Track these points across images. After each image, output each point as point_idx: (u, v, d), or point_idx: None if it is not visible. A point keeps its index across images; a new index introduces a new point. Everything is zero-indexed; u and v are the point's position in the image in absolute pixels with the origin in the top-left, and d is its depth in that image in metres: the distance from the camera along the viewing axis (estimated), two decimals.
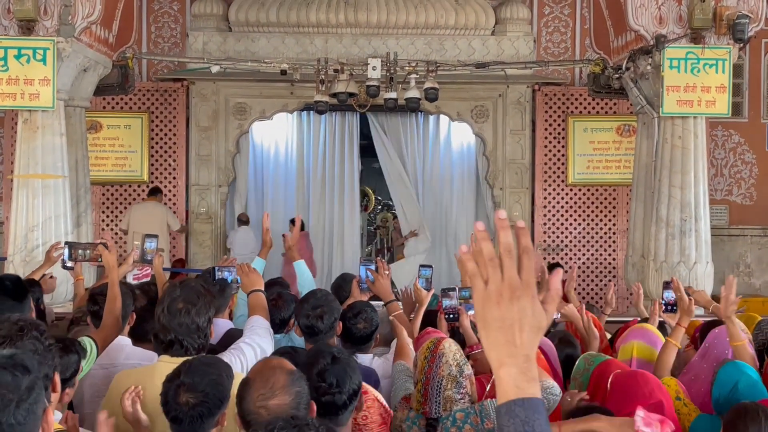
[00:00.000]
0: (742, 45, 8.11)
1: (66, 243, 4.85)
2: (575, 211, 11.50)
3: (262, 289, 4.34)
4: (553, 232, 11.48)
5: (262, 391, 2.58)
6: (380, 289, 4.68)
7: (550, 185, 11.48)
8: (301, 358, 3.07)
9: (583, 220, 11.48)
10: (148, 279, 4.96)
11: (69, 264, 4.67)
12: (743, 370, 3.66)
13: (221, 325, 4.52)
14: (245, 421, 2.61)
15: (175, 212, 11.16)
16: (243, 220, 11.28)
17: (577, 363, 3.94)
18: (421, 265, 5.34)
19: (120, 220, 10.83)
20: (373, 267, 4.80)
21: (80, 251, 4.73)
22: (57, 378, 2.34)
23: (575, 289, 5.69)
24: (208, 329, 3.44)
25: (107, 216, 11.11)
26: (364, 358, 4.01)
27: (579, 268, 11.17)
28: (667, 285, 5.09)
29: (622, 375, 3.48)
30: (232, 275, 5.01)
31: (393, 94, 9.36)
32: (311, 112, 11.55)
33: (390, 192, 12.56)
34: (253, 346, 3.66)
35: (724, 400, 3.46)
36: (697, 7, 7.89)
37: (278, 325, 4.47)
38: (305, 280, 5.07)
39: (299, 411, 2.58)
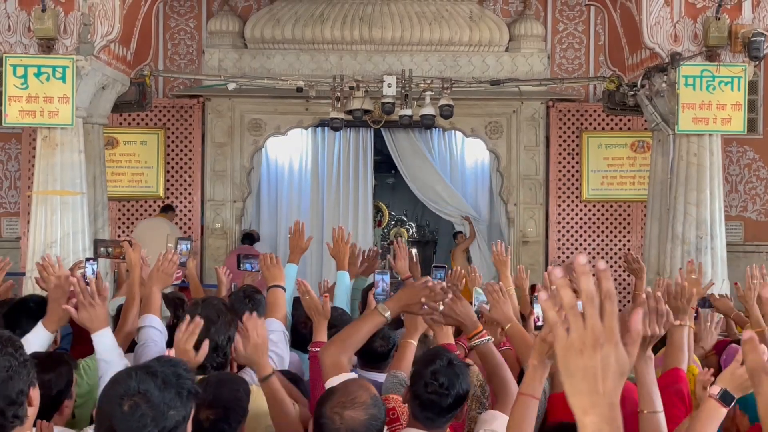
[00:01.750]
0: (757, 63, 8.11)
1: (94, 240, 4.91)
2: (589, 227, 11.50)
3: (283, 284, 4.31)
4: (567, 249, 11.47)
5: (343, 399, 2.67)
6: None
7: (564, 201, 11.48)
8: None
9: (598, 236, 11.48)
10: (179, 282, 4.94)
11: (90, 278, 4.70)
12: None
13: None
14: (318, 423, 2.69)
15: (190, 227, 11.23)
16: (254, 237, 11.28)
17: None
18: (435, 266, 5.39)
19: (124, 239, 10.86)
20: (387, 277, 4.77)
21: (102, 248, 4.79)
22: (33, 393, 2.37)
23: None
24: (228, 348, 3.46)
25: (123, 232, 11.17)
26: (381, 377, 3.92)
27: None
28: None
29: None
30: (255, 267, 4.99)
31: (408, 111, 9.40)
32: (326, 127, 11.60)
33: (427, 200, 12.57)
34: (270, 356, 3.68)
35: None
36: (713, 24, 7.91)
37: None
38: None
39: None
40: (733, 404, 2.65)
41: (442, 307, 3.28)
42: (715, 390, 2.67)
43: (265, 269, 4.38)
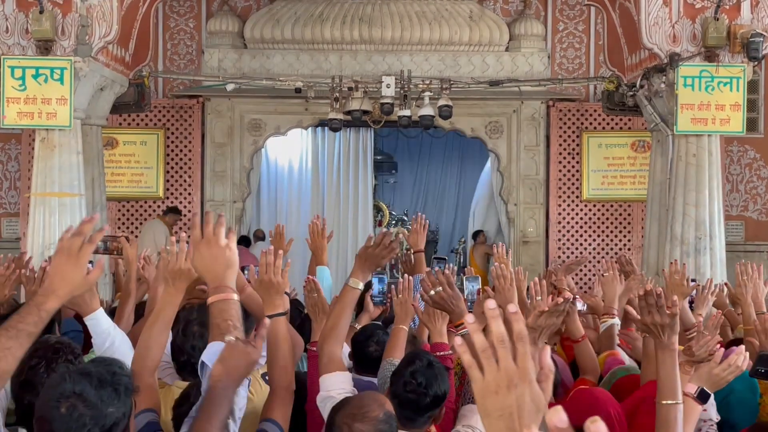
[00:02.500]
0: (756, 63, 8.09)
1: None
2: (590, 227, 11.48)
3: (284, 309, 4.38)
4: (568, 248, 11.46)
5: (355, 411, 2.68)
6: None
7: (564, 201, 11.46)
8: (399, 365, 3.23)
9: (598, 236, 11.46)
10: None
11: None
12: (741, 380, 3.64)
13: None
14: (328, 431, 2.71)
15: (189, 228, 11.19)
16: (259, 237, 11.33)
17: (607, 376, 3.94)
18: (436, 258, 5.39)
19: (121, 235, 10.87)
20: (385, 278, 4.80)
21: (99, 243, 4.75)
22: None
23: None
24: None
25: (123, 232, 11.15)
26: (376, 381, 3.93)
27: (593, 280, 11.13)
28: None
29: (579, 391, 3.48)
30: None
31: (407, 112, 9.39)
32: (326, 127, 11.60)
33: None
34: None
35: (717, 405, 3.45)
36: (711, 25, 7.89)
37: None
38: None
39: None
40: None
41: (433, 292, 3.29)
42: (692, 389, 2.70)
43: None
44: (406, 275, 4.17)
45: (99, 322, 3.57)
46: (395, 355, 3.72)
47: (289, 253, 5.78)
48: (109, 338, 3.49)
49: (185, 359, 3.34)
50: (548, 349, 1.52)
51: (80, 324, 4.57)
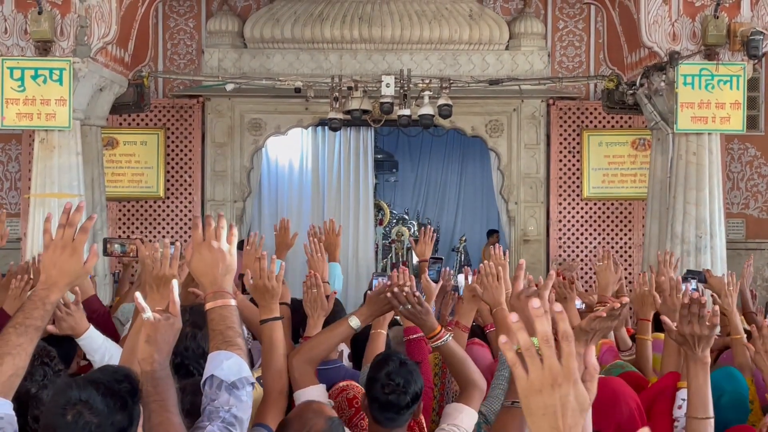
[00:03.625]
0: (756, 61, 8.08)
1: (103, 239, 4.91)
2: (590, 226, 11.46)
3: (288, 302, 4.39)
4: (569, 247, 11.45)
5: (299, 428, 2.72)
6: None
7: (565, 199, 11.45)
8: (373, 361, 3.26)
9: (599, 234, 11.44)
10: None
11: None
12: (732, 381, 3.63)
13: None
14: None
15: (190, 228, 11.21)
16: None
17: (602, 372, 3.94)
18: (432, 258, 5.44)
19: (134, 236, 10.89)
20: (386, 279, 4.84)
21: (116, 245, 4.78)
22: None
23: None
24: None
25: (123, 232, 11.18)
26: None
27: (593, 280, 11.13)
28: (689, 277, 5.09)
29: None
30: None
31: (407, 111, 9.38)
32: (326, 127, 11.59)
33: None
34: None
35: None
36: (711, 23, 7.88)
37: None
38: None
39: None
40: None
41: (402, 308, 3.35)
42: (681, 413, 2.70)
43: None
44: (380, 279, 4.22)
45: (93, 340, 3.60)
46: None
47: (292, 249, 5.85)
48: (107, 353, 3.51)
49: (179, 361, 3.35)
50: (593, 349, 1.53)
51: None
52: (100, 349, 3.52)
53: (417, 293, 3.33)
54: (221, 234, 2.61)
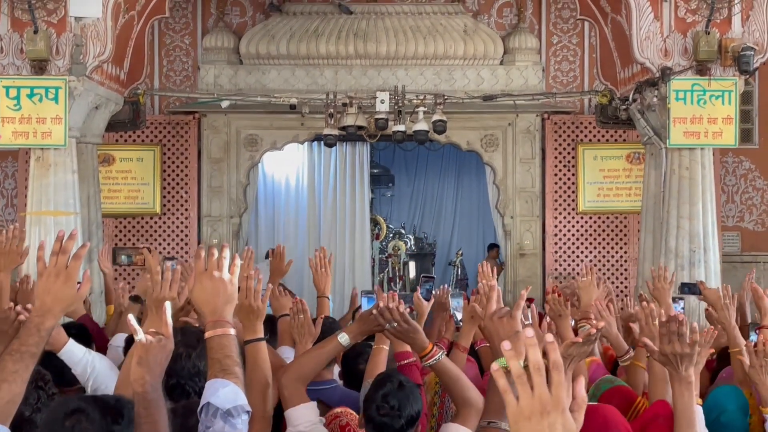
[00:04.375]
0: (747, 76, 8.12)
1: (113, 248, 4.96)
2: (586, 239, 11.49)
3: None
4: (565, 260, 11.47)
5: None
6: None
7: (560, 213, 11.48)
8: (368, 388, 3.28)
9: (594, 248, 11.47)
10: None
11: None
12: (733, 399, 3.64)
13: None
14: None
15: (186, 244, 11.26)
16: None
17: (590, 389, 3.94)
18: (424, 276, 5.46)
19: (143, 247, 10.89)
20: (374, 299, 4.86)
21: (123, 256, 4.83)
22: None
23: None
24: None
25: (144, 245, 11.19)
26: None
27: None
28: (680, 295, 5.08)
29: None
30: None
31: (401, 127, 9.43)
32: (322, 142, 11.65)
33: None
34: None
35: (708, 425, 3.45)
36: (702, 39, 7.93)
37: None
38: None
39: None
40: None
41: (389, 326, 3.32)
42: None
43: (274, 300, 4.53)
44: (384, 294, 4.23)
45: (73, 353, 3.61)
46: (376, 375, 3.77)
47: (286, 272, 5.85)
48: (89, 364, 3.52)
49: (174, 381, 3.37)
50: (582, 379, 1.56)
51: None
52: (81, 361, 3.53)
53: (404, 311, 3.33)
54: (223, 264, 2.63)
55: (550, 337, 1.46)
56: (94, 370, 3.56)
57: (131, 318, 2.50)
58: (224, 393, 2.51)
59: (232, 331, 2.63)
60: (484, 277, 5.40)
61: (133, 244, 11.19)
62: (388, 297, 3.34)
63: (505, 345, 1.45)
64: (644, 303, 3.93)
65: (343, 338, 3.36)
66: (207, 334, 2.62)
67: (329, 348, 3.40)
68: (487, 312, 2.77)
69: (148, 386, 2.38)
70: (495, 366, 1.47)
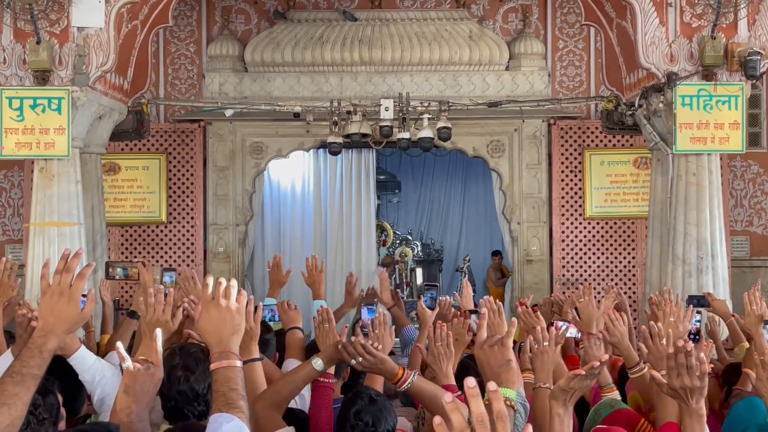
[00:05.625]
0: (754, 81, 8.05)
1: (106, 262, 4.94)
2: (594, 245, 11.43)
3: (300, 326, 4.44)
4: (572, 266, 11.41)
5: None
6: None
7: (567, 219, 11.42)
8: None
9: (602, 253, 11.40)
10: None
11: None
12: (755, 413, 3.58)
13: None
14: None
15: (193, 252, 11.26)
16: None
17: (590, 414, 3.87)
18: (426, 284, 5.46)
19: (138, 260, 10.89)
20: (374, 311, 4.86)
21: (118, 269, 4.80)
22: None
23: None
24: (209, 395, 3.46)
25: (126, 257, 11.19)
26: None
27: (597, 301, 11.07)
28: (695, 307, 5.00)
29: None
30: (273, 313, 5.07)
31: (406, 134, 9.38)
32: (327, 149, 11.62)
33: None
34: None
35: None
36: (708, 44, 7.86)
37: None
38: None
39: None
40: None
41: (354, 362, 3.28)
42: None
43: (282, 313, 4.55)
44: (381, 310, 4.20)
45: (84, 360, 3.60)
46: (375, 386, 3.75)
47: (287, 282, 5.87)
48: (99, 372, 3.51)
49: (172, 404, 3.34)
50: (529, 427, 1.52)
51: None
52: (91, 368, 3.52)
53: (365, 344, 3.26)
54: (231, 293, 2.59)
55: (492, 385, 1.43)
56: (103, 378, 3.55)
57: (119, 345, 2.46)
58: (228, 428, 2.44)
59: (239, 363, 2.56)
60: (464, 301, 5.34)
61: (139, 252, 11.20)
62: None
63: (446, 397, 1.41)
64: (651, 323, 3.88)
65: (318, 363, 3.35)
66: (212, 366, 2.56)
67: (304, 374, 3.37)
68: (477, 340, 2.71)
69: (133, 416, 2.35)
70: (437, 420, 1.43)
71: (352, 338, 3.28)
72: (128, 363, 2.39)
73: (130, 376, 2.38)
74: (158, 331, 2.56)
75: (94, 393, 3.64)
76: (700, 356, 2.63)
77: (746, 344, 5.23)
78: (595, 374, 2.52)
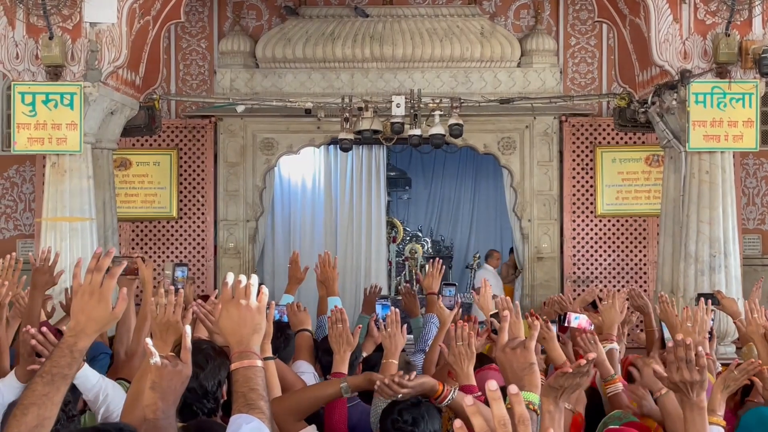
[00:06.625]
0: None
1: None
2: (605, 243, 11.39)
3: (310, 328, 4.45)
4: (583, 264, 11.38)
5: None
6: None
7: (578, 216, 11.39)
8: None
9: (613, 251, 11.37)
10: None
11: None
12: (762, 424, 3.56)
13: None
14: None
15: (203, 248, 11.28)
16: None
17: (598, 426, 3.84)
18: (444, 283, 5.43)
19: (137, 255, 10.91)
20: (388, 304, 4.89)
21: (116, 264, 4.78)
22: None
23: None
24: (219, 392, 3.45)
25: (138, 253, 11.18)
26: None
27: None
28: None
29: None
30: (281, 313, 5.07)
31: (417, 131, 9.36)
32: (338, 145, 11.61)
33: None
34: None
35: None
36: (722, 41, 7.81)
37: None
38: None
39: None
40: None
41: (401, 395, 3.30)
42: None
43: (292, 315, 4.55)
44: (393, 309, 4.19)
45: (87, 379, 3.56)
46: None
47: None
48: (102, 391, 3.48)
49: (182, 401, 3.34)
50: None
51: (109, 347, 4.59)
52: (94, 387, 3.48)
53: (400, 380, 3.27)
54: (251, 292, 2.56)
55: (513, 389, 1.43)
56: (107, 397, 3.52)
57: (148, 341, 2.45)
58: (248, 430, 2.42)
59: (259, 363, 2.54)
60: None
61: (150, 248, 11.22)
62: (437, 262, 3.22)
63: (467, 400, 1.41)
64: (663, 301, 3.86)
65: (345, 388, 3.43)
66: (233, 366, 2.54)
67: (329, 393, 3.46)
68: (499, 343, 2.68)
69: (159, 413, 2.33)
70: (458, 423, 1.41)
71: (386, 379, 3.32)
72: (156, 358, 2.37)
73: (156, 372, 2.37)
74: (187, 328, 2.55)
75: (99, 412, 3.60)
76: (699, 350, 2.65)
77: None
78: (584, 372, 2.51)
